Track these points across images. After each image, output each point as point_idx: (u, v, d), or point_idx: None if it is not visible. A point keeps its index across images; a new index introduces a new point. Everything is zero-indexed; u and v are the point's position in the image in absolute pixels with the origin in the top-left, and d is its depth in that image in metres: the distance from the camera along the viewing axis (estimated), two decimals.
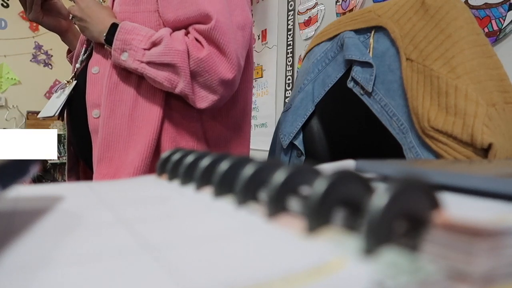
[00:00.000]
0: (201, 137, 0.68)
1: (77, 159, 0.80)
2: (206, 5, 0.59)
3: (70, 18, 0.71)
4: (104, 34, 0.63)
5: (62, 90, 0.73)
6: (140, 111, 0.64)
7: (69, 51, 0.84)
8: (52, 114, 0.71)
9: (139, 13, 0.65)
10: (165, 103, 0.65)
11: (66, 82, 0.73)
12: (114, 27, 0.63)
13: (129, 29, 0.62)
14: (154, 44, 0.61)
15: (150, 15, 0.65)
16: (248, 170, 0.16)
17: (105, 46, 0.64)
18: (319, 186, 0.12)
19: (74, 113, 0.73)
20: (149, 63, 0.60)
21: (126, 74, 0.65)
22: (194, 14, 0.60)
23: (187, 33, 0.62)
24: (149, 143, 0.62)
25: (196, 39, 0.61)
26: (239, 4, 0.64)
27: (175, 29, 0.63)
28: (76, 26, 0.70)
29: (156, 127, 0.63)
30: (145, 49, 0.61)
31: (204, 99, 0.61)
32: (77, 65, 0.73)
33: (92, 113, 0.66)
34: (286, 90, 2.10)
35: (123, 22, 0.64)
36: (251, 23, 0.67)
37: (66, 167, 0.80)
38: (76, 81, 0.72)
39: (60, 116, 0.75)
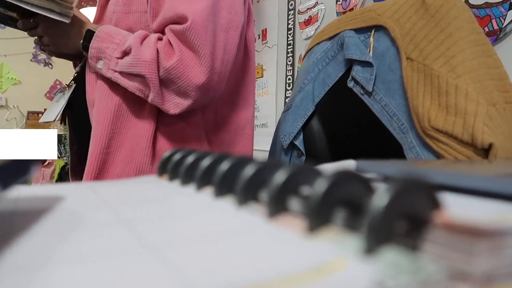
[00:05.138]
0: (204, 142, 0.68)
1: (80, 159, 0.80)
2: (182, 7, 0.58)
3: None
4: (81, 42, 0.63)
5: (61, 93, 0.73)
6: (127, 116, 0.64)
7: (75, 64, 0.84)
8: (52, 119, 0.71)
9: (131, 14, 0.65)
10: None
11: (66, 85, 0.73)
12: (89, 33, 0.62)
13: (103, 37, 0.62)
14: (125, 53, 0.60)
15: (141, 15, 0.65)
16: (249, 170, 0.16)
17: (84, 53, 0.64)
18: (320, 186, 0.12)
19: (75, 113, 0.73)
20: (121, 72, 0.60)
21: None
22: (170, 15, 0.59)
23: (162, 36, 0.61)
24: (143, 154, 0.62)
25: (170, 42, 0.60)
26: (225, 5, 0.62)
27: (158, 32, 0.62)
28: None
29: (149, 135, 0.63)
30: (117, 58, 0.60)
31: (178, 106, 0.60)
32: (77, 69, 0.73)
33: (93, 111, 0.66)
34: (286, 90, 2.10)
35: (99, 28, 0.63)
36: (240, 24, 0.65)
37: (69, 167, 0.80)
38: (75, 84, 0.72)
39: (62, 120, 0.75)
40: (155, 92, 0.59)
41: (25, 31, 0.67)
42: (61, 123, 0.76)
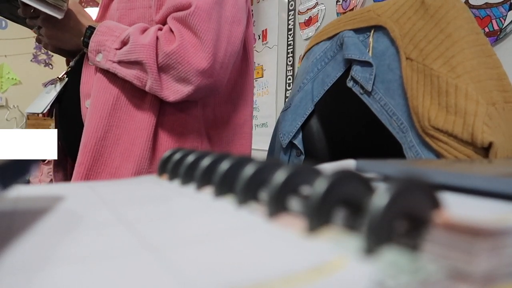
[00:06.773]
0: (204, 138, 0.68)
1: (65, 154, 0.80)
2: None
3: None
4: (82, 39, 0.63)
5: (52, 85, 0.72)
6: (126, 110, 0.63)
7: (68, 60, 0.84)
8: (40, 111, 0.70)
9: (135, 9, 0.65)
10: (167, 105, 0.64)
11: (57, 78, 0.73)
12: (90, 30, 0.63)
13: (104, 31, 0.62)
14: (124, 43, 0.60)
15: (145, 11, 0.65)
16: (249, 170, 0.16)
17: (84, 49, 0.64)
18: (320, 186, 0.12)
19: (65, 107, 0.72)
20: (120, 62, 0.60)
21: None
22: (174, 3, 0.59)
23: (163, 26, 0.61)
24: (143, 147, 0.61)
25: (171, 29, 0.59)
26: (230, 0, 0.62)
27: (161, 23, 0.62)
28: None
29: (149, 129, 0.62)
30: (116, 49, 0.60)
31: (177, 93, 0.59)
32: (71, 63, 0.73)
33: (85, 103, 0.65)
34: (286, 90, 2.10)
35: (101, 23, 0.63)
36: (243, 20, 0.65)
37: (52, 162, 0.80)
38: (67, 78, 0.71)
39: (50, 113, 0.75)
40: (153, 78, 0.58)
41: (25, 20, 0.67)
42: (48, 116, 0.75)
